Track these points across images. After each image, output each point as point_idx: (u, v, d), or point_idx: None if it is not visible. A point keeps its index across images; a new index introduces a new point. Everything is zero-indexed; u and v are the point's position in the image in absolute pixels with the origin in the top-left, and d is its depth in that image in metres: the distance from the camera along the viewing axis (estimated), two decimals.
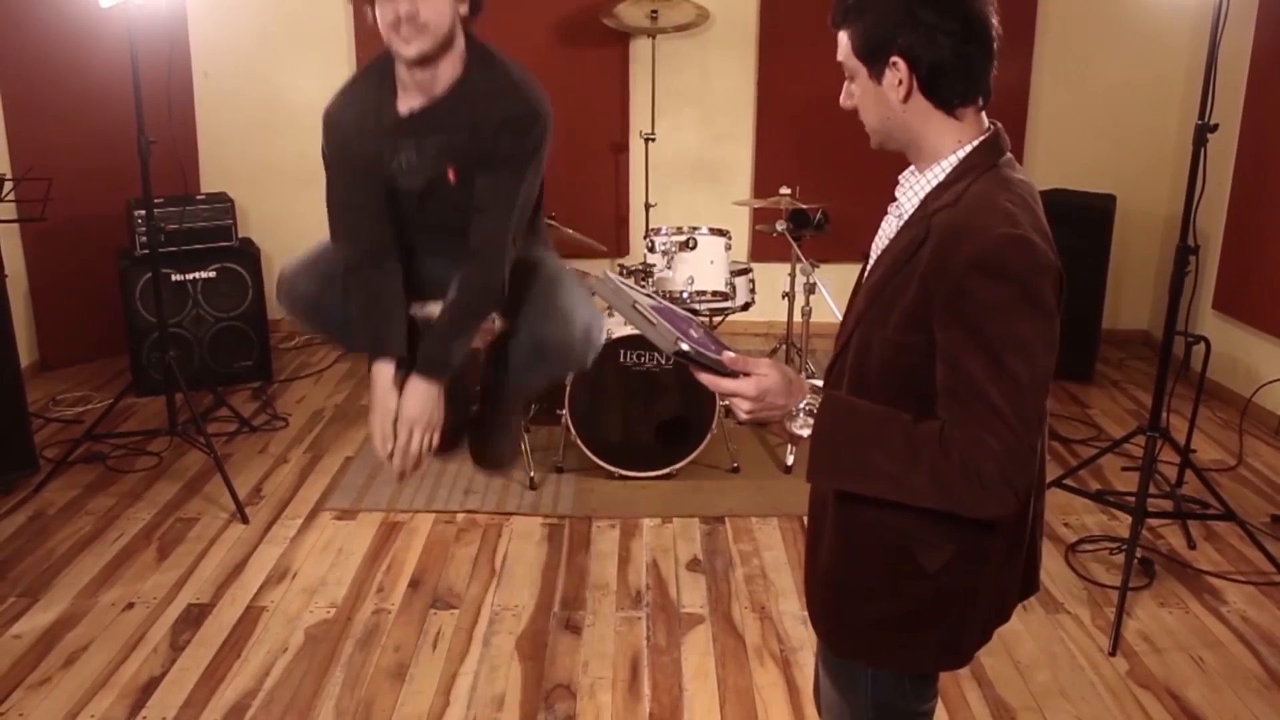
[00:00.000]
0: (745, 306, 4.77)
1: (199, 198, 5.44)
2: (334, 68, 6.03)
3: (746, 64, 6.05)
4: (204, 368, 5.28)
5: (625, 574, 3.65)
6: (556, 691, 3.02)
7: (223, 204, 5.43)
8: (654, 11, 5.50)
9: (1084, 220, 5.56)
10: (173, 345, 4.41)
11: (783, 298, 4.91)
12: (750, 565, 3.72)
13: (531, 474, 4.31)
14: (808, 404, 1.59)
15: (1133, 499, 3.62)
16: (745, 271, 4.81)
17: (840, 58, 1.63)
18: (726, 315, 4.92)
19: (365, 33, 5.93)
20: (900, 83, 1.54)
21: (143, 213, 4.58)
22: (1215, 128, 3.44)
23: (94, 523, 3.95)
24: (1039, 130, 6.15)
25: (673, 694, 3.02)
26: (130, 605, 3.41)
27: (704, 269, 4.55)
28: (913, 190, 1.62)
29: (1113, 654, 3.20)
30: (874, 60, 1.56)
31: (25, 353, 4.97)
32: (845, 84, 1.66)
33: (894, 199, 1.67)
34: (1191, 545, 3.86)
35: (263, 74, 6.03)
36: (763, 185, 5.89)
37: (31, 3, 5.11)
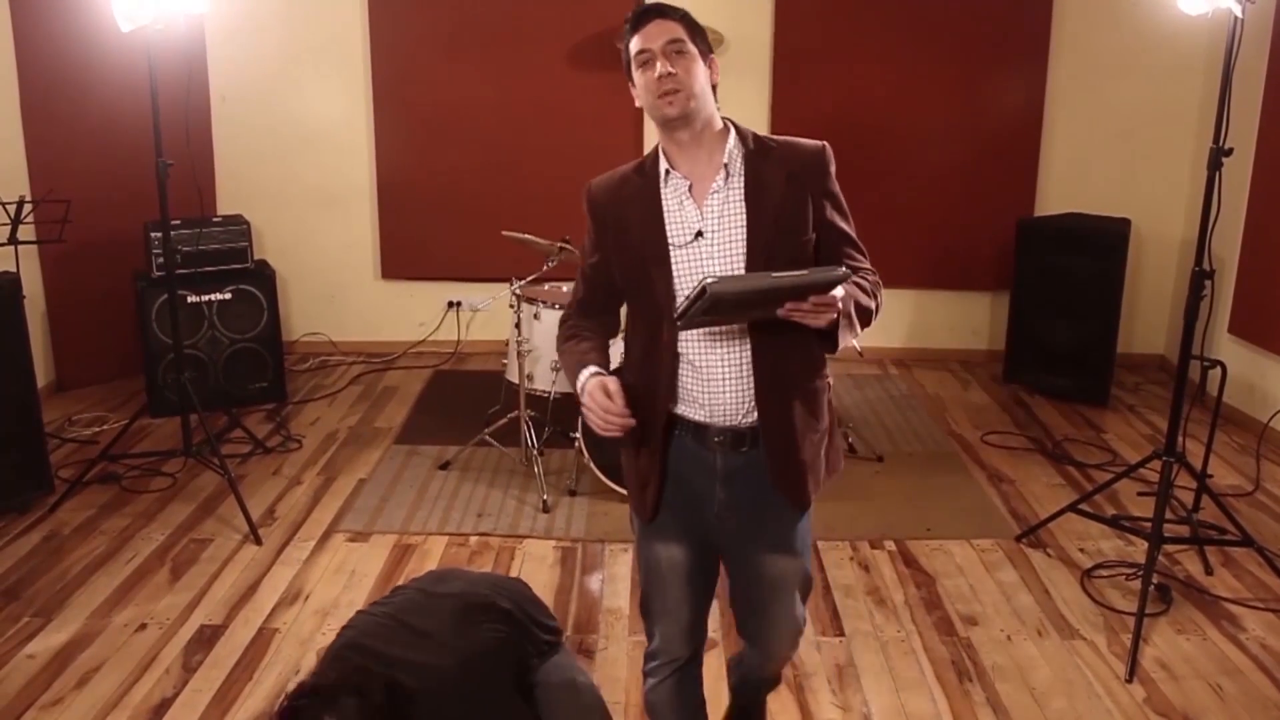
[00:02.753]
0: None
1: (215, 220, 5.48)
2: (350, 92, 6.09)
3: (760, 87, 6.07)
4: (219, 389, 5.30)
5: (638, 598, 3.63)
6: None
7: (239, 226, 5.47)
8: None
9: (1099, 244, 5.56)
10: (188, 366, 4.43)
11: None
12: None
13: (544, 497, 4.31)
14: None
15: (1149, 524, 3.60)
16: None
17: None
18: None
19: (381, 57, 6.00)
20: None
21: (159, 235, 4.61)
22: (1230, 152, 3.43)
23: (108, 543, 3.96)
24: (1053, 154, 6.15)
25: None
26: (143, 626, 3.41)
27: None
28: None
29: (1129, 681, 3.17)
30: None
31: (42, 373, 5.00)
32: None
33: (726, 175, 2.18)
34: (1209, 571, 3.83)
35: (279, 98, 6.08)
36: None
37: (53, 27, 5.17)
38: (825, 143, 2.26)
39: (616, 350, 2.44)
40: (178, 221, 4.89)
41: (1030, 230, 5.83)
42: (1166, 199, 6.12)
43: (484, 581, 2.52)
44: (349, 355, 6.35)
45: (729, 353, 2.18)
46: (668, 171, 2.20)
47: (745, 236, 2.15)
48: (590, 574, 3.80)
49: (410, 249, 6.28)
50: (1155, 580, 3.51)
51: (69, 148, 5.28)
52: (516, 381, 4.61)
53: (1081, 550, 4.00)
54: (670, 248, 2.18)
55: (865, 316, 2.18)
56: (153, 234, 5.13)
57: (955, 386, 6.01)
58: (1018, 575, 3.82)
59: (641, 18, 2.17)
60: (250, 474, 4.62)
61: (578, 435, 4.27)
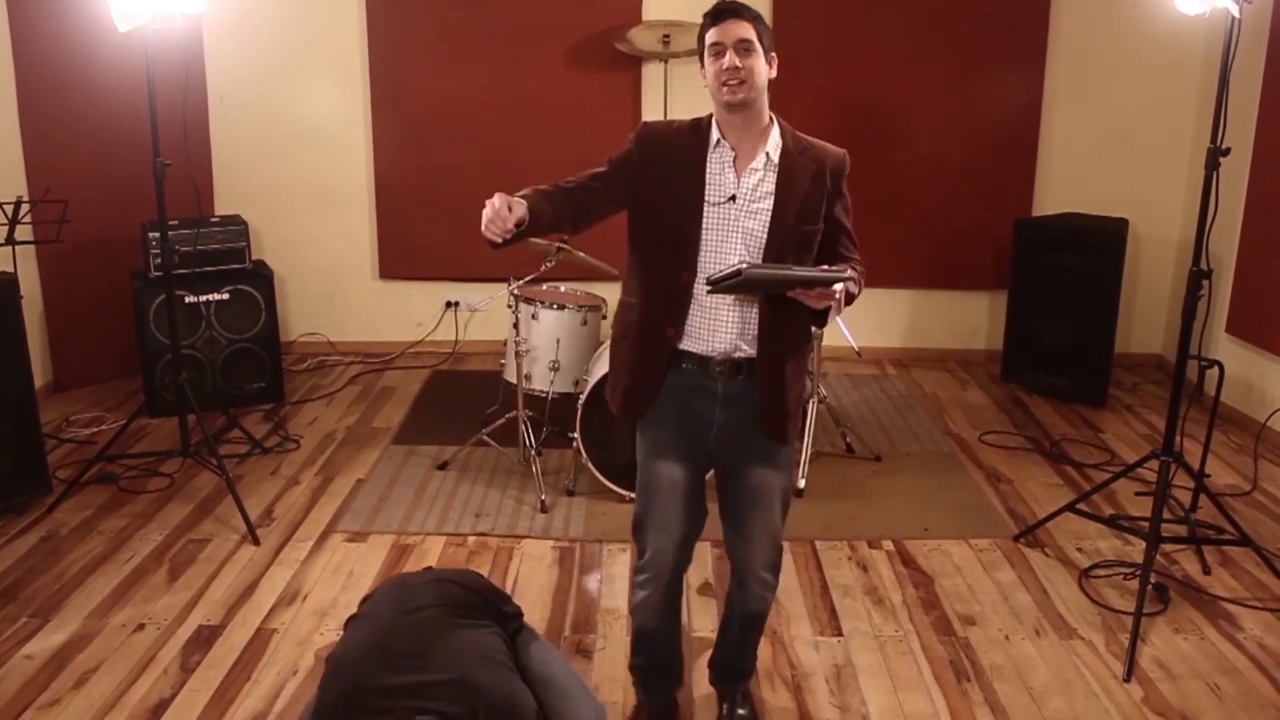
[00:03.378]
0: None
1: (213, 220, 5.48)
2: (348, 92, 6.09)
3: None
4: (216, 389, 5.29)
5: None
6: None
7: (236, 226, 5.47)
8: (666, 36, 5.53)
9: (1096, 244, 5.57)
10: (186, 367, 4.42)
11: None
12: None
13: (543, 497, 4.31)
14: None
15: (1147, 524, 3.60)
16: None
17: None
18: None
19: (379, 56, 5.99)
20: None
21: (157, 235, 4.60)
22: (1228, 151, 3.44)
23: (105, 543, 3.96)
24: (1051, 154, 6.16)
25: (684, 719, 3.00)
26: (141, 626, 3.41)
27: None
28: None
29: (1127, 681, 3.18)
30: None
31: (39, 373, 4.99)
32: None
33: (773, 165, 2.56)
34: (1206, 571, 3.83)
35: (277, 98, 6.08)
36: None
37: (50, 27, 5.16)
38: (846, 151, 2.66)
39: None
40: (175, 221, 4.89)
41: (1028, 230, 5.83)
42: (1164, 199, 6.12)
43: (445, 581, 2.54)
44: (347, 355, 6.34)
45: (736, 302, 2.54)
46: (719, 140, 2.55)
47: (771, 214, 2.52)
48: (588, 574, 3.80)
49: (408, 249, 6.28)
50: (1153, 580, 3.51)
51: (66, 147, 5.27)
52: (514, 382, 4.61)
53: (1079, 550, 4.00)
54: (705, 204, 2.53)
55: (849, 301, 2.50)
56: (150, 234, 5.13)
57: (953, 386, 6.01)
58: (1016, 575, 3.82)
59: (721, 13, 2.51)
60: (248, 474, 4.62)
61: (576, 435, 4.27)
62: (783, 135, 2.58)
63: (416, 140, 6.10)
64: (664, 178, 2.56)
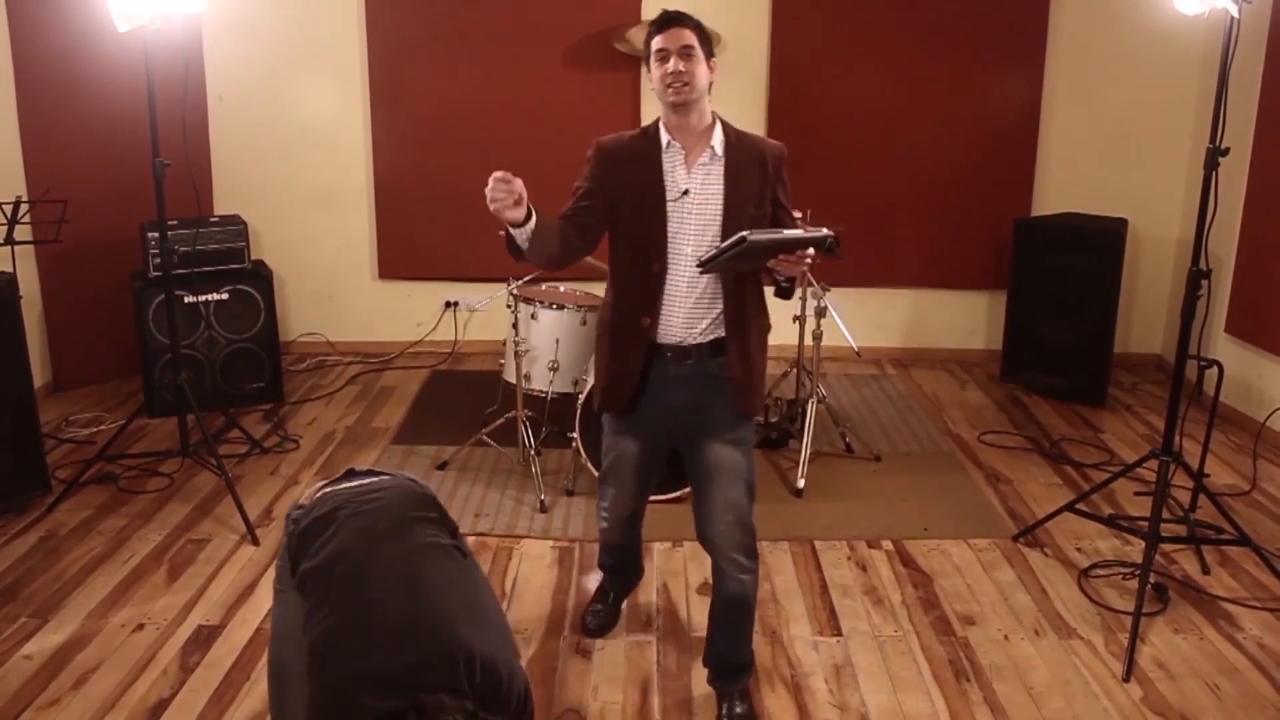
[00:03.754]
0: None
1: (212, 220, 5.48)
2: (347, 92, 6.09)
3: (757, 87, 6.08)
4: (216, 389, 5.29)
5: (635, 598, 3.63)
6: (566, 716, 3.01)
7: (236, 226, 5.47)
8: None
9: (1095, 244, 5.57)
10: (185, 367, 4.42)
11: (794, 321, 4.91)
12: (761, 589, 3.69)
13: (542, 497, 4.31)
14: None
15: (1146, 524, 3.60)
16: None
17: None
18: None
19: (379, 56, 5.99)
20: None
21: (156, 235, 4.60)
22: (1227, 151, 3.44)
23: (105, 543, 3.96)
24: (1050, 153, 6.16)
25: (682, 718, 3.00)
26: (140, 626, 3.41)
27: None
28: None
29: (1127, 680, 3.18)
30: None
31: (39, 374, 4.99)
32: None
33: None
34: (1206, 571, 3.83)
35: (276, 98, 6.08)
36: None
37: (49, 27, 5.16)
38: (783, 144, 2.92)
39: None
40: (175, 221, 4.88)
41: (1027, 230, 5.83)
42: (1163, 199, 6.13)
43: (397, 486, 2.53)
44: (346, 355, 6.34)
45: (690, 283, 2.80)
46: (669, 142, 2.80)
47: (723, 201, 2.78)
48: (587, 574, 3.79)
49: (407, 249, 6.28)
50: (1152, 580, 3.51)
51: (66, 148, 5.27)
52: (514, 382, 4.61)
53: (1079, 550, 4.00)
54: (666, 201, 2.78)
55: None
56: (150, 234, 5.12)
57: (952, 386, 6.01)
58: (1015, 575, 3.82)
59: (665, 22, 2.77)
60: (247, 474, 4.62)
61: (575, 435, 4.27)
62: (725, 131, 2.83)
63: (416, 140, 6.10)
64: (626, 183, 2.82)
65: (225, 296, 5.36)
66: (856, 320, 5.34)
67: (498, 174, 2.56)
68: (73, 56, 5.22)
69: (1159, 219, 6.14)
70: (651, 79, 2.80)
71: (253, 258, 5.60)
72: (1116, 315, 5.62)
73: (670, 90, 2.73)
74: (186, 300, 5.22)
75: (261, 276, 5.52)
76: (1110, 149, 6.12)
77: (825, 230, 2.63)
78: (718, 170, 2.79)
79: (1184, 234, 6.03)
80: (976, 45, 5.98)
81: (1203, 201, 3.49)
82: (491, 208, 2.59)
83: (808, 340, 4.86)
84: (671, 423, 2.92)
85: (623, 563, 3.45)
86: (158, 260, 5.04)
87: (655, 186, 2.79)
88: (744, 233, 2.49)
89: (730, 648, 3.01)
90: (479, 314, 6.42)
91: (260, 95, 6.07)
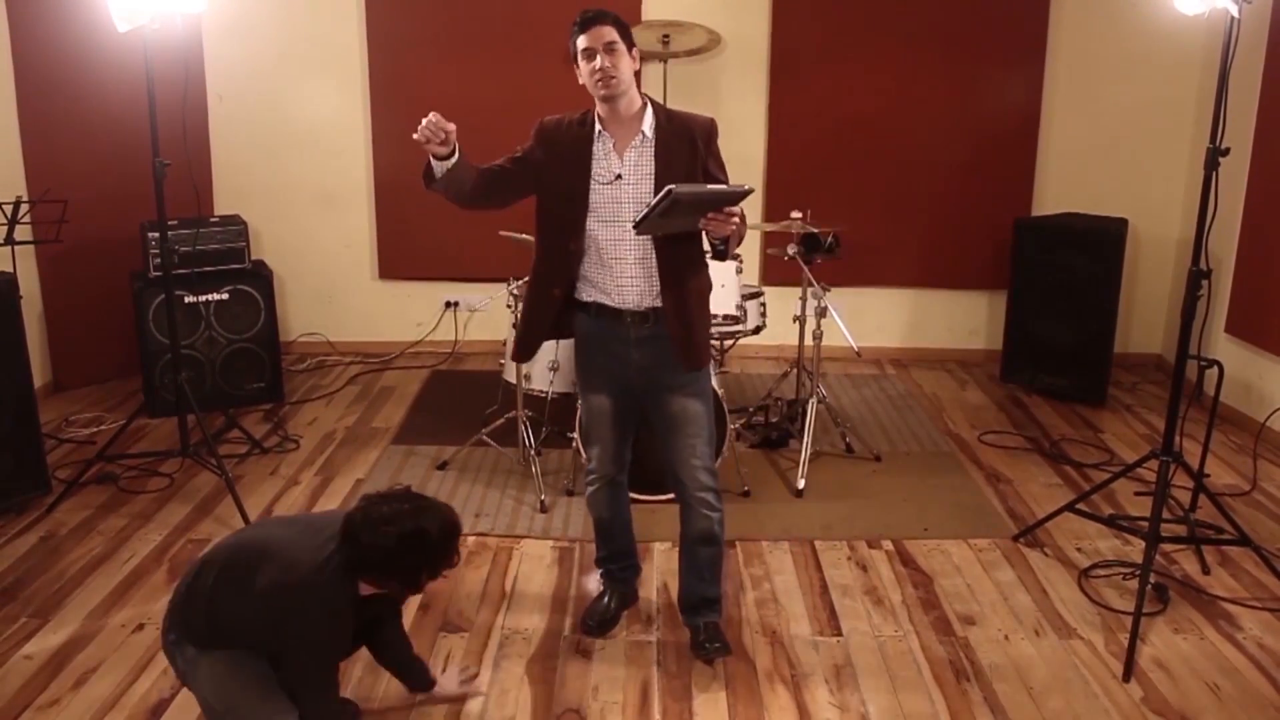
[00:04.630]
0: (756, 330, 4.78)
1: (212, 220, 5.48)
2: (347, 92, 6.09)
3: (758, 88, 6.07)
4: (216, 389, 5.29)
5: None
6: (566, 716, 3.01)
7: (236, 226, 5.47)
8: (665, 36, 5.54)
9: (1096, 244, 5.57)
10: (185, 367, 4.42)
11: (794, 321, 4.91)
12: (761, 589, 3.71)
13: (542, 497, 4.31)
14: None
15: (1146, 524, 3.60)
16: (756, 295, 4.81)
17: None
18: (738, 339, 4.93)
19: (379, 56, 5.99)
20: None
21: (156, 235, 4.60)
22: (1227, 151, 3.44)
23: (105, 544, 3.96)
24: (1050, 153, 6.16)
25: (682, 718, 3.01)
26: (141, 626, 3.41)
27: (715, 292, 4.47)
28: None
29: (1127, 680, 3.18)
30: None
31: (39, 374, 4.99)
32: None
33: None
34: (1206, 571, 3.83)
35: (276, 98, 6.08)
36: (774, 209, 5.90)
37: (49, 27, 5.16)
38: (713, 118, 3.08)
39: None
40: (175, 221, 4.88)
41: (1027, 230, 5.83)
42: (1163, 198, 6.13)
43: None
44: (346, 355, 6.34)
45: (638, 258, 3.02)
46: (600, 131, 3.02)
47: (654, 180, 2.95)
48: (587, 574, 3.79)
49: (407, 249, 6.28)
50: (1152, 580, 3.51)
51: (66, 148, 5.27)
52: (514, 382, 4.61)
53: (1079, 550, 4.00)
54: (592, 184, 3.00)
55: (738, 240, 2.98)
56: (150, 234, 5.13)
57: (953, 386, 6.01)
58: (1015, 575, 3.82)
59: (587, 22, 2.95)
60: (248, 474, 4.62)
61: (575, 435, 4.27)
62: (655, 114, 3.03)
63: (415, 140, 6.08)
64: (557, 164, 3.04)
65: (225, 296, 5.36)
66: (857, 320, 5.34)
67: (433, 115, 2.88)
68: (73, 57, 5.23)
69: (1159, 219, 6.14)
70: (581, 75, 2.99)
71: (253, 258, 5.60)
72: (1117, 315, 5.62)
73: (600, 85, 2.94)
74: (187, 300, 5.22)
75: (261, 276, 5.52)
76: (1110, 149, 6.11)
77: (745, 186, 2.80)
78: (649, 152, 2.99)
79: (1184, 234, 6.03)
80: (977, 44, 5.98)
81: (1203, 201, 3.49)
82: (417, 138, 2.93)
83: (808, 340, 4.86)
84: (634, 377, 3.13)
85: (615, 551, 3.50)
86: (158, 260, 5.04)
87: (582, 171, 3.00)
88: (670, 186, 2.67)
89: (701, 582, 3.27)
90: (479, 314, 6.42)
91: (260, 95, 6.07)
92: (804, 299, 4.87)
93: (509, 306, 4.51)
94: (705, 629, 3.26)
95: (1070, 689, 3.14)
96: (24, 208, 4.15)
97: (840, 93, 6.03)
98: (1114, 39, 5.96)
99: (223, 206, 6.02)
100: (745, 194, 2.81)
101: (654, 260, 3.01)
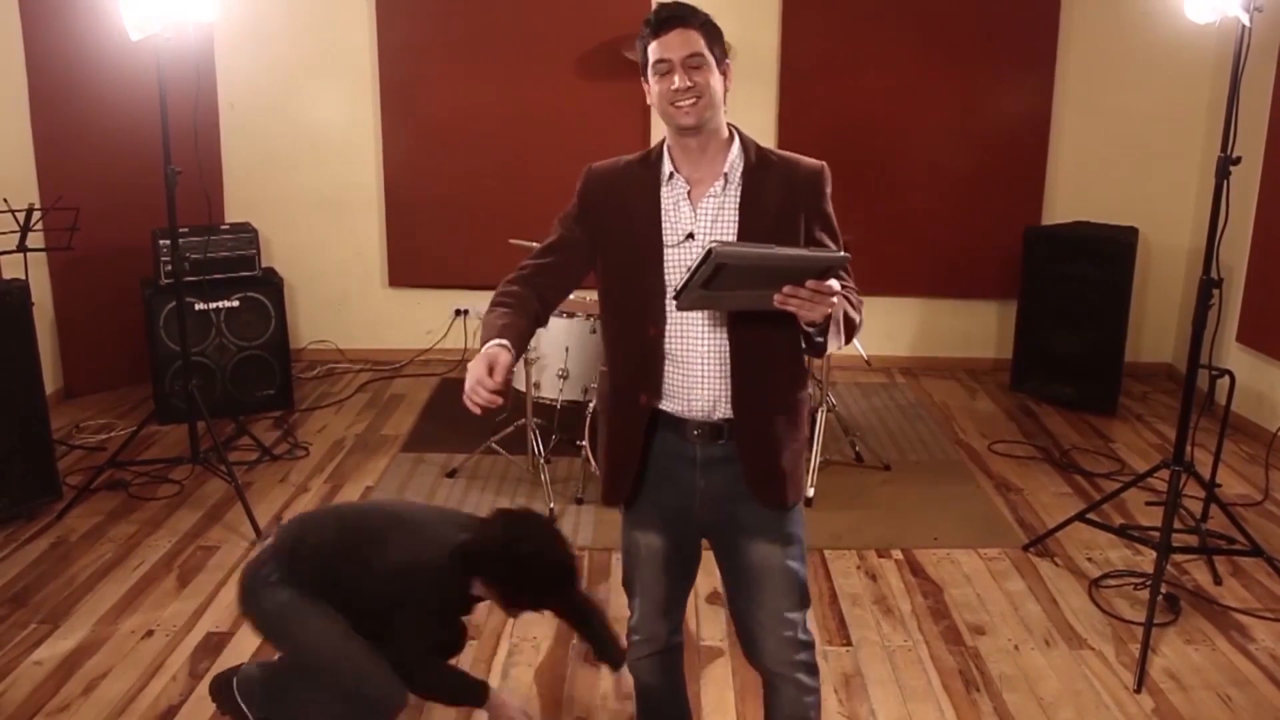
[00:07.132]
0: None
1: (223, 228, 5.50)
2: (358, 100, 6.11)
3: (767, 96, 6.08)
4: (226, 396, 5.31)
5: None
6: None
7: (247, 234, 5.49)
8: None
9: (1106, 253, 5.55)
10: (196, 374, 4.44)
11: None
12: None
13: (551, 505, 4.31)
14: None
15: (1157, 534, 3.59)
16: None
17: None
18: None
19: (390, 64, 6.01)
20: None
21: (168, 242, 4.62)
22: (1238, 160, 3.43)
23: (115, 550, 3.97)
24: (1060, 162, 6.15)
25: None
26: (150, 633, 3.41)
27: None
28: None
29: (1138, 691, 3.16)
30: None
31: (50, 380, 5.00)
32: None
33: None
34: (1218, 581, 3.81)
35: (287, 106, 6.10)
36: None
37: (62, 34, 5.19)
38: (824, 163, 2.28)
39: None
40: (186, 229, 4.89)
41: (1037, 239, 5.82)
42: (1174, 207, 6.11)
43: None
44: (356, 363, 6.35)
45: (710, 349, 2.20)
46: (671, 174, 2.21)
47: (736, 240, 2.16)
48: (597, 583, 3.79)
49: (417, 257, 6.30)
50: (1164, 590, 3.50)
51: (78, 156, 5.29)
52: (523, 389, 4.62)
53: (1089, 560, 3.99)
54: (664, 247, 2.19)
55: (850, 329, 2.16)
56: (161, 241, 5.14)
57: (962, 395, 6.00)
58: (1025, 585, 3.81)
59: (663, 23, 2.13)
60: (257, 481, 4.63)
61: (584, 443, 4.27)
62: (745, 151, 2.23)
63: (426, 148, 6.12)
64: (617, 225, 2.25)
65: (236, 304, 5.38)
66: (866, 329, 5.28)
67: (477, 369, 2.03)
68: (85, 65, 5.25)
69: (1170, 228, 6.12)
70: (650, 95, 2.19)
71: (263, 265, 5.62)
72: (1127, 324, 5.60)
73: (677, 110, 2.13)
74: (197, 307, 5.23)
75: (272, 284, 5.53)
76: (1121, 158, 6.10)
77: (839, 252, 2.08)
78: (732, 201, 2.19)
79: (1195, 243, 6.00)
80: (987, 53, 5.98)
81: (1214, 210, 3.48)
82: (466, 401, 2.05)
83: None
84: (699, 510, 2.32)
85: (669, 717, 2.67)
86: (169, 267, 5.05)
87: (652, 229, 2.20)
88: (712, 243, 1.86)
89: None
90: None
91: (272, 103, 6.09)
92: None
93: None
94: None
95: (1081, 700, 3.13)
96: (36, 215, 4.17)
97: (850, 102, 6.03)
98: (1124, 48, 5.96)
99: (233, 214, 6.04)
100: (839, 261, 2.00)
101: (728, 351, 2.20)
